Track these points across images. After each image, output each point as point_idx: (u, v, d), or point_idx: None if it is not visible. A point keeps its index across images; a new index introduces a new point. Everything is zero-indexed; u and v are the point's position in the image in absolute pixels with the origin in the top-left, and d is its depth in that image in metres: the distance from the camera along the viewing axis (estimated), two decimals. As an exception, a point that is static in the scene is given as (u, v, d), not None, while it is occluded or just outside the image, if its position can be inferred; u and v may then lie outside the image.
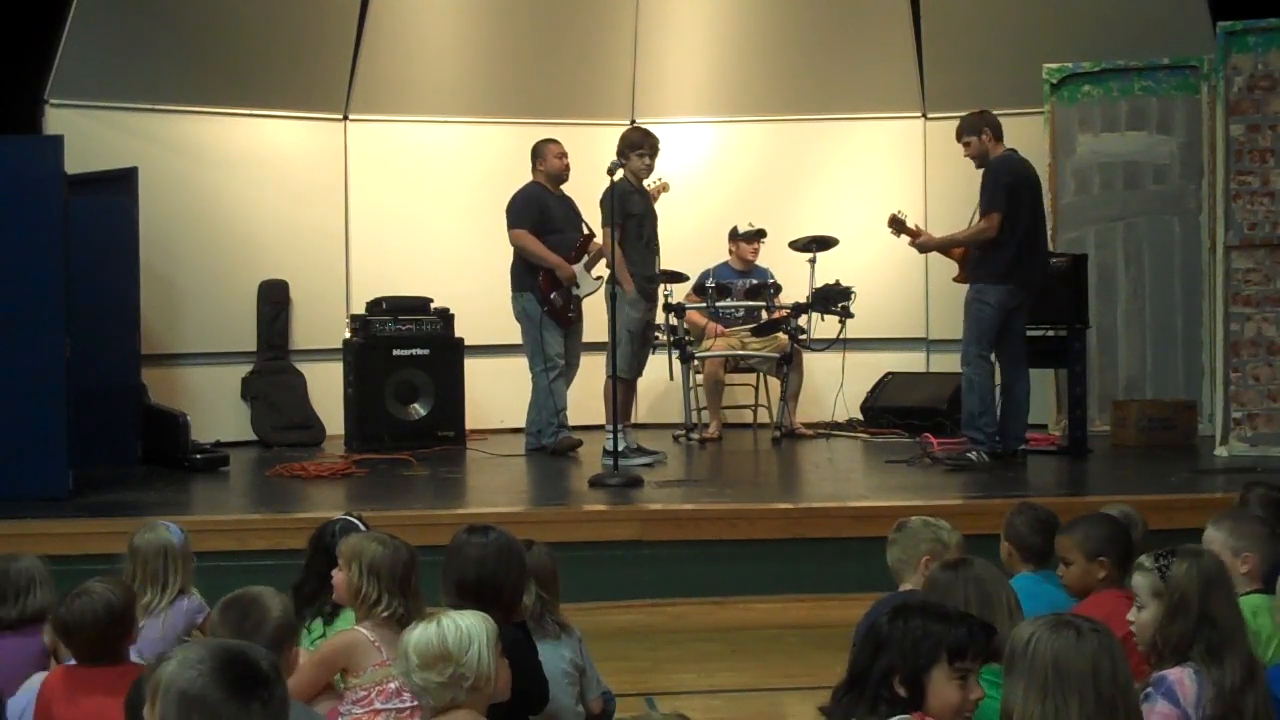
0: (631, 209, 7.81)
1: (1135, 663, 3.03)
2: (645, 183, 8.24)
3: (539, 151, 8.38)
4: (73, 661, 3.50)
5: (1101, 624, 2.60)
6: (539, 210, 8.18)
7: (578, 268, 8.14)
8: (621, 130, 8.37)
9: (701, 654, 5.44)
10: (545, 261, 8.09)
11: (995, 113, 9.38)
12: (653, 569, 6.11)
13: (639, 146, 7.95)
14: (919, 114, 9.82)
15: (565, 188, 8.36)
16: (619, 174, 7.47)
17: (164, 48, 8.73)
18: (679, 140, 9.91)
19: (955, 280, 7.95)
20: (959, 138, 7.57)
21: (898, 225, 7.89)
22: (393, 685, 3.49)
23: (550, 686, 3.53)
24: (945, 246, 7.89)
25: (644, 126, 8.27)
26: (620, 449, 7.37)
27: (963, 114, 9.71)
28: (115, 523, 5.55)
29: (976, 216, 7.58)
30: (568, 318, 8.21)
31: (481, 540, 3.47)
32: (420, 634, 2.87)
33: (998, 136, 7.49)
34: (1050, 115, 9.02)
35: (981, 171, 7.47)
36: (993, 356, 7.47)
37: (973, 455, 7.34)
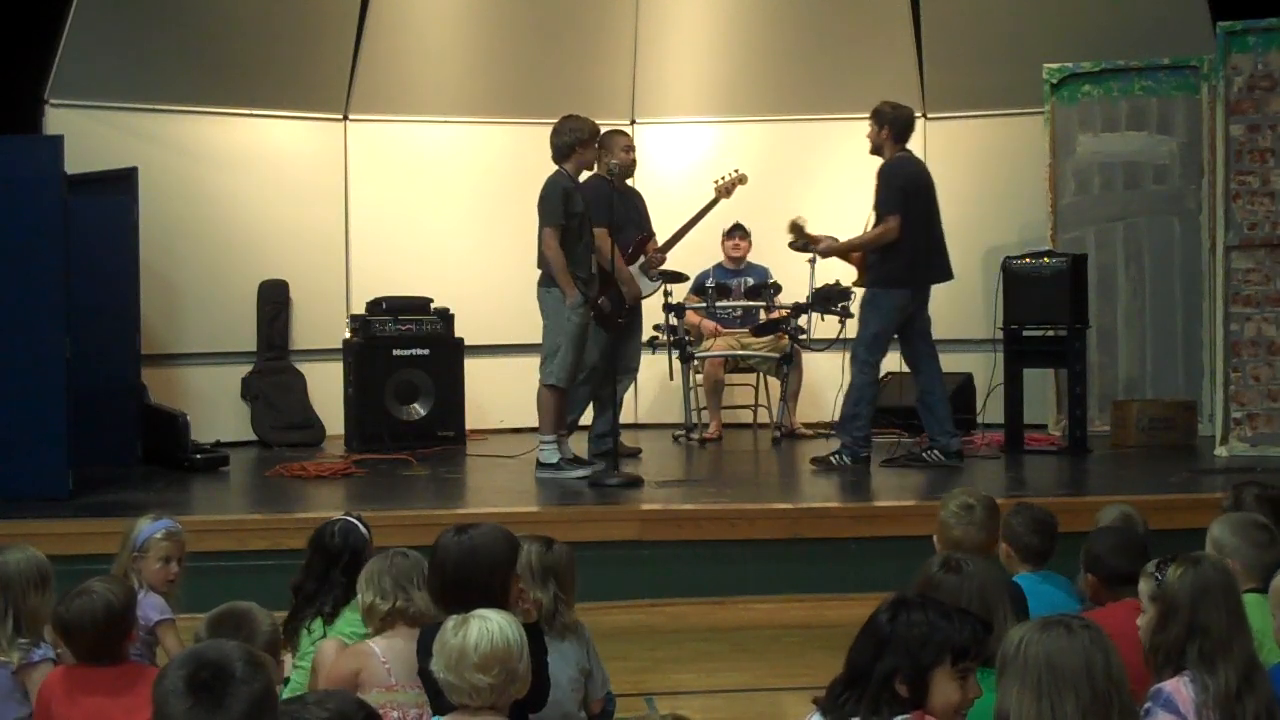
0: (574, 206, 7.23)
1: (1138, 669, 3.03)
2: (721, 177, 8.18)
3: (605, 144, 7.84)
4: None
5: (1091, 621, 2.60)
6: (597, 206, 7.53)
7: (634, 269, 7.95)
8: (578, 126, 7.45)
9: (701, 654, 5.44)
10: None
11: (995, 113, 9.43)
12: (653, 569, 6.12)
13: (604, 141, 7.49)
14: (919, 114, 9.78)
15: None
16: (581, 170, 7.36)
17: (164, 48, 8.73)
18: (679, 140, 9.93)
19: (855, 284, 8.00)
20: (871, 117, 7.66)
21: (797, 232, 7.91)
22: (395, 714, 3.48)
23: (557, 692, 3.51)
24: (847, 251, 7.91)
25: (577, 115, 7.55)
26: (556, 460, 7.26)
27: (962, 114, 9.77)
28: (115, 523, 5.52)
29: (872, 220, 7.60)
30: (616, 324, 7.69)
31: (460, 539, 3.39)
32: (479, 634, 2.83)
33: (898, 138, 7.56)
34: (1050, 115, 9.01)
35: (876, 172, 7.56)
36: (882, 360, 7.60)
37: (834, 459, 7.40)
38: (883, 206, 7.46)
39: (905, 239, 7.40)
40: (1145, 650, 3.08)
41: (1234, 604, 3.06)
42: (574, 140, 7.32)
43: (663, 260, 8.19)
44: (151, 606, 4.13)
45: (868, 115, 7.75)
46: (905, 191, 7.44)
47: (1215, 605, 3.01)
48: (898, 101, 7.74)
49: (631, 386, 8.68)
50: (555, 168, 7.36)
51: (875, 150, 7.64)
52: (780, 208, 9.60)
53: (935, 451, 7.50)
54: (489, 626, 2.86)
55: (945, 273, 7.66)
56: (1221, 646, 2.97)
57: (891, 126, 7.53)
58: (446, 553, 3.38)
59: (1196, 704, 2.93)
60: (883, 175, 7.52)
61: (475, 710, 2.85)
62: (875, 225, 7.53)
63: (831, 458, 7.43)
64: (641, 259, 8.05)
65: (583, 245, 7.28)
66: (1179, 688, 2.96)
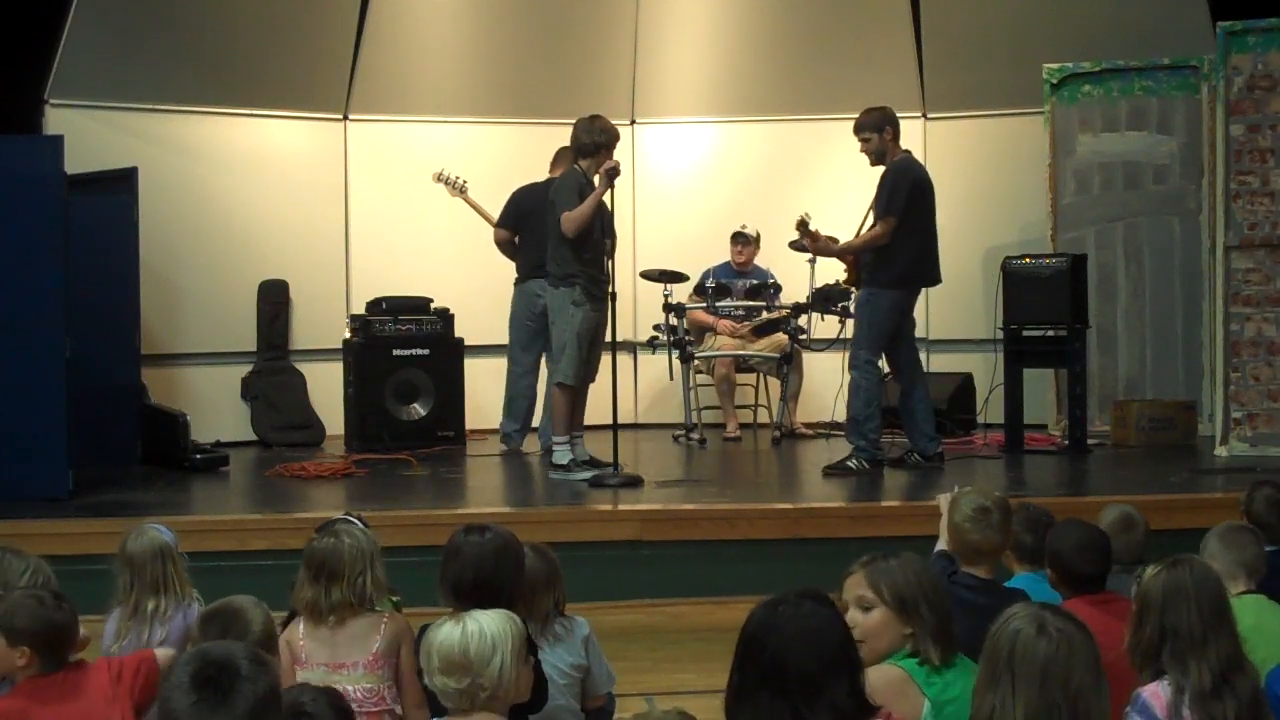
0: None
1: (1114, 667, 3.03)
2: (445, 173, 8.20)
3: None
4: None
5: (1075, 626, 2.51)
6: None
7: None
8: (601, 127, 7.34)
9: (701, 654, 5.43)
10: None
11: (995, 113, 9.40)
12: (653, 569, 6.12)
13: (613, 142, 7.39)
14: (919, 114, 9.80)
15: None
16: (578, 164, 7.29)
17: (164, 48, 8.73)
18: (679, 140, 9.92)
19: (844, 283, 7.91)
20: (857, 132, 7.45)
21: (802, 228, 7.65)
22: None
23: (549, 688, 3.51)
24: (840, 254, 7.78)
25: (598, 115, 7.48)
26: (567, 461, 7.25)
27: (962, 114, 9.76)
28: (115, 523, 5.54)
29: (870, 219, 7.53)
30: None
31: (478, 540, 3.42)
32: (445, 637, 2.79)
33: (897, 137, 7.42)
34: (1050, 115, 9.01)
35: (880, 172, 7.41)
36: (883, 362, 7.45)
37: (852, 463, 7.26)
38: (884, 209, 7.31)
39: (907, 242, 7.28)
40: (1126, 651, 3.08)
41: (1209, 604, 3.01)
42: (590, 145, 7.26)
43: None
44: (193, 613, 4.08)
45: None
46: (912, 195, 7.28)
47: (1185, 606, 2.98)
48: (876, 104, 7.54)
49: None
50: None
51: (878, 159, 7.42)
52: (780, 208, 9.59)
53: (915, 455, 7.47)
54: (455, 632, 2.79)
55: (938, 277, 7.61)
56: (1193, 646, 2.94)
57: (892, 126, 7.39)
58: (469, 555, 3.41)
59: (1171, 704, 2.91)
60: (891, 175, 7.32)
61: (466, 712, 2.82)
62: (872, 226, 7.43)
63: (849, 462, 7.26)
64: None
65: (592, 243, 7.24)
66: (1157, 692, 2.95)
